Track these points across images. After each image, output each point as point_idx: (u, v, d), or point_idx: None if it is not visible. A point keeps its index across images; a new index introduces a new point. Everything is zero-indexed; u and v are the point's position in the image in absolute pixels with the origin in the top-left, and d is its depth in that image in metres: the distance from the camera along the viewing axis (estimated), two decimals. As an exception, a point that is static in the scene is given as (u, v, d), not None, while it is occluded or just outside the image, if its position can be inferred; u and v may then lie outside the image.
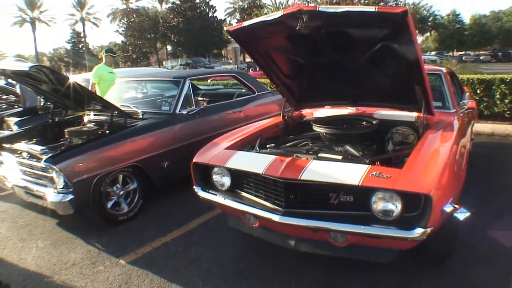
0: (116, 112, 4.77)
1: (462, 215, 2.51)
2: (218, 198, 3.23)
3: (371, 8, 2.58)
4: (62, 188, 3.88)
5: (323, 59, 3.50)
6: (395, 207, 2.49)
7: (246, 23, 3.21)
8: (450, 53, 55.11)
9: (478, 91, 8.63)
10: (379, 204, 2.53)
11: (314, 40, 3.19)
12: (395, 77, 3.39)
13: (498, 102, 8.52)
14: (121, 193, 4.43)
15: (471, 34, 56.70)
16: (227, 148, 3.40)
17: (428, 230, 2.38)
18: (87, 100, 4.96)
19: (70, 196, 3.86)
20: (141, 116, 4.98)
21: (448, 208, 2.48)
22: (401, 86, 3.42)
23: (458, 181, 2.90)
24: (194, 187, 3.46)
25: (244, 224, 3.26)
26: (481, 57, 47.27)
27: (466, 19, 59.33)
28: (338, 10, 2.67)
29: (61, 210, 4.03)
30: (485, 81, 8.63)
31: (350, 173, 2.57)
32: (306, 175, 2.65)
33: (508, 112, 8.47)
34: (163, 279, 3.26)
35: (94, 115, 5.34)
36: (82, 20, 63.91)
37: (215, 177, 3.32)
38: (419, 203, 2.46)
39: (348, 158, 2.96)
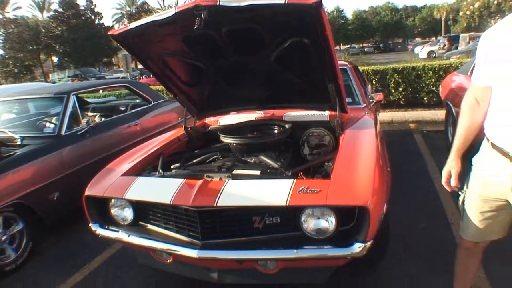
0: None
1: None
2: (121, 235, 2.69)
3: (281, 0, 2.25)
4: None
5: (225, 62, 3.12)
6: (329, 223, 2.18)
7: (133, 25, 2.72)
8: (337, 47, 58.42)
9: (374, 82, 8.92)
10: (310, 223, 2.21)
11: (214, 41, 2.80)
12: (306, 76, 3.11)
13: (393, 90, 8.89)
14: (4, 238, 3.65)
15: (355, 29, 60.62)
16: (124, 174, 2.85)
17: (368, 244, 2.11)
18: None
19: None
20: (19, 143, 4.21)
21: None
22: (312, 84, 3.15)
23: (388, 179, 2.70)
24: (90, 224, 2.88)
25: (155, 261, 2.76)
26: (365, 49, 51.10)
27: (349, 14, 63.31)
28: (243, 4, 2.30)
29: None
30: (379, 72, 8.97)
31: (274, 192, 2.21)
32: (223, 201, 2.23)
33: (403, 100, 8.88)
34: None
35: None
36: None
37: (114, 211, 2.77)
38: (353, 213, 2.18)
39: (267, 172, 2.59)
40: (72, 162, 4.30)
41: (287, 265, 2.35)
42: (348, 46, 58.94)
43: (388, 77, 8.87)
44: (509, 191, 1.83)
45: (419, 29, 64.03)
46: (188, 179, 2.53)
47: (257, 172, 2.54)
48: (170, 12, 2.49)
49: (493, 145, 1.87)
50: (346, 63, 4.67)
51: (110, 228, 2.79)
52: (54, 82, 30.75)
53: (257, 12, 2.40)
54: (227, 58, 3.07)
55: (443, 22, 54.89)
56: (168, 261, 2.65)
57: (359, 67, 9.14)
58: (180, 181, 2.51)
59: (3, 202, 3.58)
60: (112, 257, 3.72)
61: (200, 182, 2.43)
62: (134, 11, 51.60)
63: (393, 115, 8.45)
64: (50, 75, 41.08)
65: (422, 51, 33.63)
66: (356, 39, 61.73)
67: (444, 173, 2.12)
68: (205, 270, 2.54)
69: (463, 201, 2.12)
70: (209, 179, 2.52)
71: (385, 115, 8.41)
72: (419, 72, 8.67)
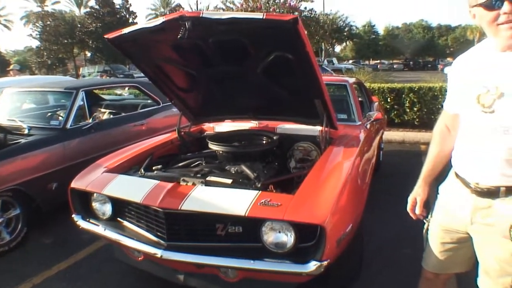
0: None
1: None
2: (99, 229, 2.80)
3: (259, 15, 2.32)
4: None
5: (214, 70, 3.20)
6: (288, 238, 2.21)
7: (126, 30, 2.83)
8: (367, 62, 57.85)
9: (389, 100, 8.87)
10: (270, 236, 2.24)
11: (202, 50, 2.89)
12: (294, 90, 3.15)
13: (408, 110, 8.81)
14: (0, 220, 3.83)
15: (385, 44, 59.90)
16: (108, 171, 2.97)
17: (324, 263, 2.12)
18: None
19: None
20: (26, 132, 4.39)
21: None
22: (301, 99, 3.19)
23: (361, 197, 2.72)
24: (73, 215, 3.00)
25: (129, 257, 2.86)
26: (395, 66, 50.78)
27: (381, 30, 62.62)
28: (223, 17, 2.39)
29: None
30: (395, 90, 8.90)
31: (237, 201, 2.26)
32: (187, 205, 2.30)
33: (417, 120, 8.78)
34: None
35: None
36: (-8, 22, 59.21)
37: (95, 205, 2.89)
38: (315, 231, 2.19)
39: (239, 181, 2.65)
40: (73, 155, 4.44)
41: (247, 275, 2.38)
42: (378, 61, 58.20)
43: (404, 96, 8.79)
44: (469, 224, 1.76)
45: (451, 49, 62.73)
46: (164, 181, 2.61)
47: (229, 181, 2.59)
48: (159, 21, 2.59)
49: (456, 174, 1.83)
50: (348, 79, 4.68)
51: (91, 221, 2.90)
52: (84, 76, 31.43)
53: (238, 25, 2.47)
54: (215, 67, 3.13)
55: (475, 44, 53.59)
56: (139, 258, 2.74)
57: (376, 85, 9.18)
58: (155, 182, 2.59)
59: (2, 187, 3.75)
60: (99, 250, 3.84)
61: (171, 185, 2.50)
62: (167, 12, 52.18)
63: (405, 135, 8.35)
64: (81, 69, 41.94)
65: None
66: (387, 55, 60.93)
67: (410, 200, 2.08)
68: (173, 272, 2.62)
69: (427, 229, 2.07)
70: (184, 183, 2.59)
71: (397, 135, 8.34)
72: (436, 93, 8.54)
